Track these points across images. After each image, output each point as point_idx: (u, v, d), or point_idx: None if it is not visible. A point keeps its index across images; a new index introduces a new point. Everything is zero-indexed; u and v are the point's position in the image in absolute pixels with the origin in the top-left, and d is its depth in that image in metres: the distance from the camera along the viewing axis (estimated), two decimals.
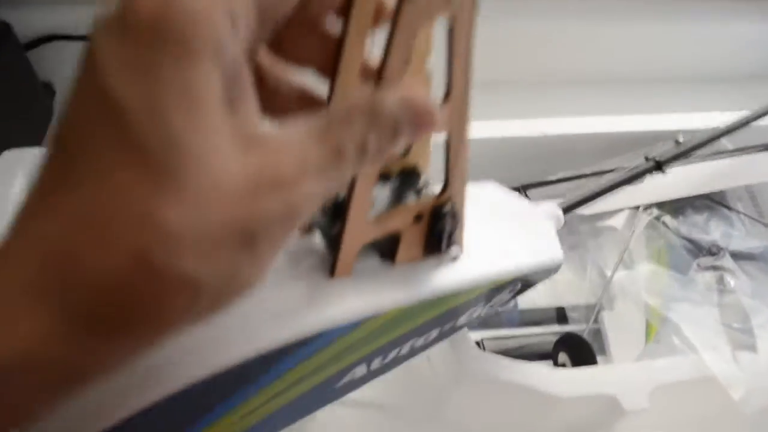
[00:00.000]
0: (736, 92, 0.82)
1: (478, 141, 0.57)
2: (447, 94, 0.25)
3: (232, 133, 0.18)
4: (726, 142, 0.64)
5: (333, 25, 0.23)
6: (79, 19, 0.66)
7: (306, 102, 0.24)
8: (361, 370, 0.32)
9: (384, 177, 0.26)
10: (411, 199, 0.27)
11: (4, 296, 0.16)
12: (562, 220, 0.43)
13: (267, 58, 0.23)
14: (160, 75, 0.16)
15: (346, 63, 0.23)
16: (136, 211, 0.16)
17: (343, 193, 0.24)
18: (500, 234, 0.34)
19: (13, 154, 0.55)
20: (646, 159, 0.56)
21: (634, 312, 0.54)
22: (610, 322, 0.55)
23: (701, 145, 0.57)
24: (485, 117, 0.60)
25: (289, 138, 0.19)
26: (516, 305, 0.56)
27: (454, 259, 0.30)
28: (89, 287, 0.16)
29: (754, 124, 0.65)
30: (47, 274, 0.16)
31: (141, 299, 0.17)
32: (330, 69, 0.23)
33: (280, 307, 0.25)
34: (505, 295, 0.38)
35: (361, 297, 0.27)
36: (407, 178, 0.28)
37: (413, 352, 0.35)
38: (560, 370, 0.46)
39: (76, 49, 0.66)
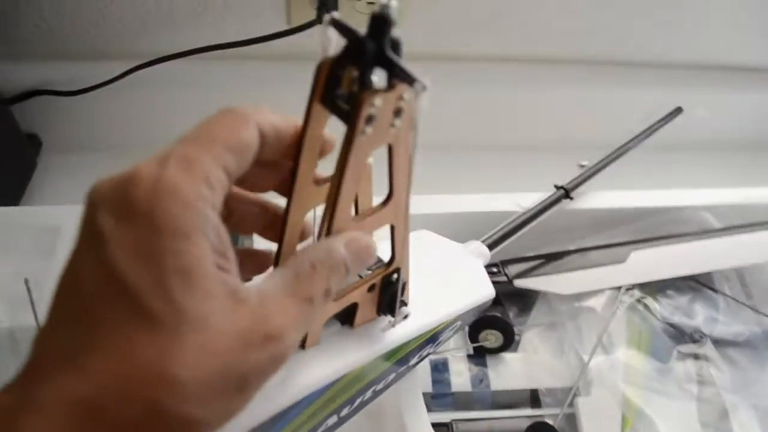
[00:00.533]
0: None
1: (456, 215, 0.57)
2: (389, 196, 0.30)
3: (224, 295, 0.22)
4: (714, 221, 0.62)
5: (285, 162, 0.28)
6: (64, 74, 0.67)
7: (265, 211, 0.30)
8: (332, 420, 0.37)
9: None
10: (363, 273, 0.33)
11: None
12: (489, 256, 0.51)
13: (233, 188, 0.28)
14: (162, 259, 0.21)
15: (299, 188, 0.28)
16: (150, 370, 0.20)
17: None
18: (438, 282, 0.41)
19: None
20: (556, 188, 0.60)
21: (610, 401, 0.52)
22: (584, 409, 0.53)
23: (604, 167, 0.63)
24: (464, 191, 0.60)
25: (268, 294, 0.24)
26: (488, 386, 0.55)
27: (405, 317, 0.37)
28: (113, 430, 0.20)
29: (745, 203, 0.64)
30: (76, 422, 0.20)
31: None
32: (286, 191, 0.28)
33: None
34: (448, 333, 0.45)
35: (331, 362, 0.32)
36: None
37: (375, 395, 0.41)
38: None
39: (60, 102, 0.67)
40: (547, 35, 0.74)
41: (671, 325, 0.56)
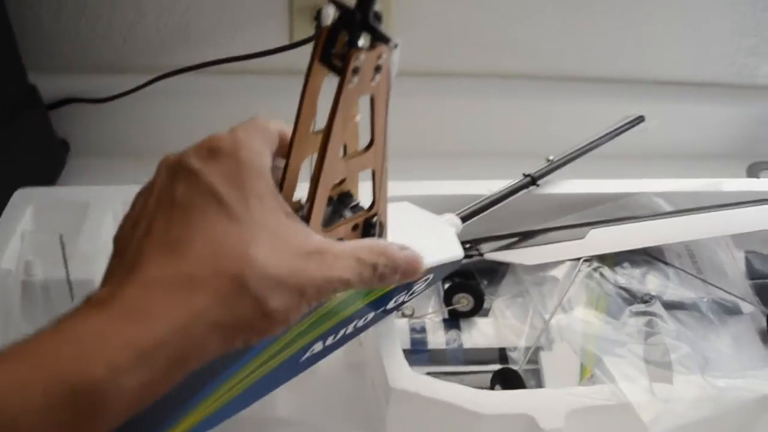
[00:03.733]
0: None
1: (435, 197, 0.64)
2: (371, 143, 0.37)
3: (284, 216, 0.30)
4: (666, 206, 0.70)
5: None
6: (93, 85, 0.76)
7: None
8: (318, 347, 0.44)
9: (328, 199, 0.37)
10: (347, 215, 0.39)
11: (190, 297, 0.26)
12: (460, 226, 0.58)
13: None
14: (245, 183, 0.28)
15: (299, 135, 0.35)
16: (235, 252, 0.26)
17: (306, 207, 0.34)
18: (414, 238, 0.44)
19: (25, 192, 0.63)
20: (524, 175, 0.68)
21: (570, 354, 0.59)
22: (546, 362, 0.59)
23: (570, 160, 0.71)
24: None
25: (339, 243, 0.32)
26: (461, 345, 0.61)
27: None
28: (207, 293, 0.26)
29: (695, 191, 0.71)
30: (176, 291, 0.26)
31: (238, 308, 0.26)
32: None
33: None
34: (421, 285, 0.51)
35: None
36: (343, 199, 0.40)
37: (356, 332, 0.48)
38: (485, 392, 0.51)
39: (88, 110, 0.76)
40: (521, 52, 0.84)
41: (625, 289, 0.63)
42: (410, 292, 0.52)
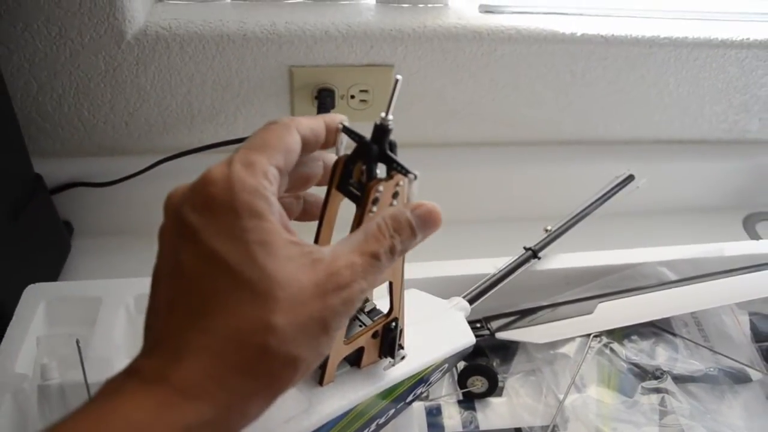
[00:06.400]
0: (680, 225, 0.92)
1: (441, 278, 0.65)
2: None
3: (300, 256, 0.28)
4: (670, 274, 0.71)
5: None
6: (97, 168, 0.77)
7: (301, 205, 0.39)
8: None
9: None
10: (365, 320, 0.41)
11: (187, 377, 0.26)
12: (469, 310, 0.60)
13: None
14: (245, 235, 0.27)
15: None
16: (256, 323, 0.27)
17: None
18: (426, 329, 0.50)
19: (36, 288, 0.63)
20: (524, 249, 0.69)
21: None
22: None
23: (567, 229, 0.72)
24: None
25: (339, 253, 0.30)
26: (477, 426, 0.61)
27: (403, 358, 0.46)
28: (238, 370, 0.27)
29: (697, 257, 0.72)
30: (209, 368, 0.26)
31: (268, 372, 0.27)
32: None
33: (290, 412, 0.39)
34: (437, 375, 0.53)
35: (345, 395, 0.41)
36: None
37: (378, 428, 0.50)
38: None
39: (93, 192, 0.76)
40: (514, 121, 0.85)
41: (636, 365, 0.64)
42: (428, 383, 0.53)
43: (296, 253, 0.29)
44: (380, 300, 0.43)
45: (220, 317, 0.27)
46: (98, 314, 0.60)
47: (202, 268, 0.28)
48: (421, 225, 0.33)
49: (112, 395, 0.27)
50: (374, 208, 0.34)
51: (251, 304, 0.27)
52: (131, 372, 0.27)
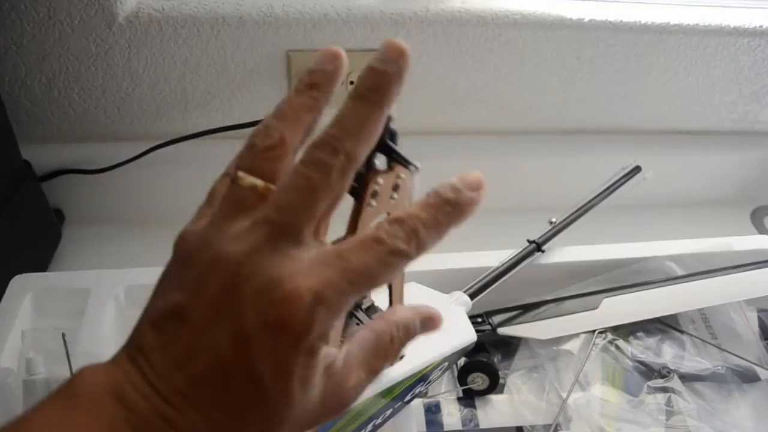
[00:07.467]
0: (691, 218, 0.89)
1: (443, 271, 0.63)
2: None
3: (322, 378, 0.27)
4: (677, 269, 0.69)
5: None
6: (88, 155, 0.75)
7: None
8: None
9: None
10: (361, 316, 0.38)
11: None
12: (470, 305, 0.58)
13: None
14: (292, 370, 0.25)
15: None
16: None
17: None
18: None
19: (23, 279, 0.61)
20: (528, 242, 0.67)
21: None
22: None
23: (572, 221, 0.70)
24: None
25: (350, 364, 0.29)
26: (477, 424, 0.60)
27: (401, 358, 0.39)
28: None
29: (705, 252, 0.70)
30: None
31: None
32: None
33: None
34: (436, 373, 0.51)
35: None
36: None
37: (375, 429, 0.48)
38: None
39: (84, 180, 0.74)
40: (519, 109, 0.83)
41: (641, 363, 0.62)
42: (427, 381, 0.52)
43: (323, 376, 0.28)
44: (378, 296, 0.41)
45: (227, 415, 0.26)
46: (86, 306, 0.59)
47: (236, 368, 0.25)
48: (422, 331, 0.32)
49: (103, 427, 0.25)
50: (373, 202, 0.32)
51: (262, 420, 0.26)
52: (124, 402, 0.25)
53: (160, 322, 0.26)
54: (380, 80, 0.28)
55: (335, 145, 0.27)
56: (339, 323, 0.31)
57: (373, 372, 0.30)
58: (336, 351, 0.29)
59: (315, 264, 0.26)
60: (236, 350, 0.25)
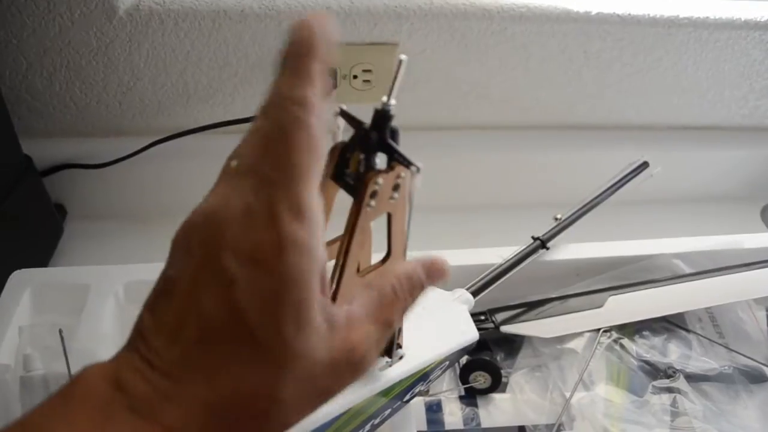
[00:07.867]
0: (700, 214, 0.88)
1: (450, 268, 0.62)
2: (387, 255, 0.36)
3: (323, 325, 0.26)
4: (684, 267, 0.68)
5: None
6: (90, 149, 0.74)
7: None
8: None
9: None
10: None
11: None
12: (473, 302, 0.57)
13: None
14: (282, 308, 0.25)
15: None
16: (261, 391, 0.25)
17: None
18: (427, 324, 0.46)
19: (22, 274, 0.61)
20: (533, 239, 0.66)
21: None
22: None
23: (578, 218, 0.69)
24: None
25: (354, 319, 0.28)
26: (479, 424, 0.59)
27: (401, 358, 0.43)
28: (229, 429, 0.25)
29: (712, 250, 0.69)
30: (203, 417, 0.25)
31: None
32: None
33: None
34: (437, 372, 0.50)
35: (338, 398, 0.35)
36: None
37: (374, 429, 0.47)
38: None
39: (86, 174, 0.74)
40: (524, 104, 0.82)
41: (647, 362, 0.61)
42: (427, 380, 0.51)
43: (322, 321, 0.26)
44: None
45: (227, 376, 0.25)
46: (86, 302, 0.58)
47: (225, 319, 0.25)
48: (430, 282, 0.31)
49: (98, 412, 0.24)
50: (372, 203, 0.31)
51: (262, 372, 0.25)
52: (121, 387, 0.25)
53: (154, 303, 0.26)
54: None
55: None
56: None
57: (384, 324, 0.29)
58: (337, 309, 0.28)
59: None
60: (220, 299, 0.25)
